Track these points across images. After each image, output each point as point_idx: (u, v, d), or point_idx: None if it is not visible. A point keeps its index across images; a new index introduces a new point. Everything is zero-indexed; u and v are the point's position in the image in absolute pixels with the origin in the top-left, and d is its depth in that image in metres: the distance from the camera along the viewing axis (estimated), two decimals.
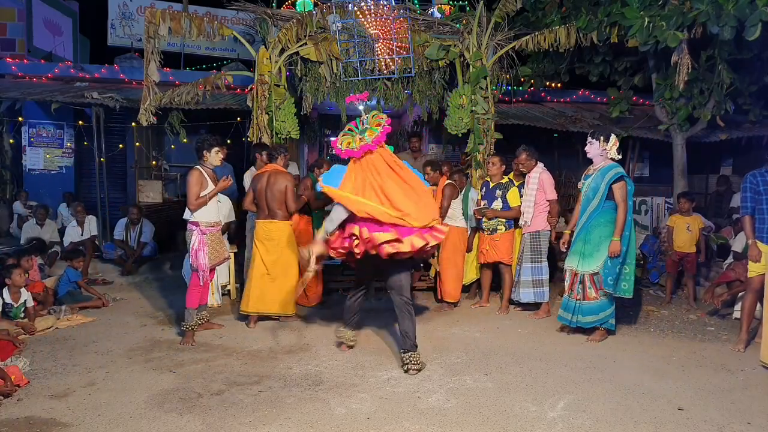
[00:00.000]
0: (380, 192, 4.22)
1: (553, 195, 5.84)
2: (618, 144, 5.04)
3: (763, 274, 4.83)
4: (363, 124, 4.49)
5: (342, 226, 4.32)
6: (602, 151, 5.01)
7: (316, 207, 6.14)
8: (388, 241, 4.12)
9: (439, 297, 6.30)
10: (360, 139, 4.38)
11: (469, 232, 6.39)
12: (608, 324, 5.08)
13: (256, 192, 5.40)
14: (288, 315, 5.53)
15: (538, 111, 9.82)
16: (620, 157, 5.08)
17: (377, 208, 4.16)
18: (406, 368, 4.25)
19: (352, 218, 4.24)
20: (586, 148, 5.11)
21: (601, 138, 4.99)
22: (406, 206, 4.18)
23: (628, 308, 6.17)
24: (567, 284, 5.18)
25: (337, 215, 4.27)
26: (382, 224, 4.16)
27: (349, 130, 4.50)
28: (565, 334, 5.24)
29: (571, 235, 5.23)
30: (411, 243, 4.16)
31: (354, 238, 4.23)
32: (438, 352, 4.73)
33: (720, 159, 10.23)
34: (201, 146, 5.04)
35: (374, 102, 7.61)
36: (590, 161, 5.14)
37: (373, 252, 4.20)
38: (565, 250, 5.29)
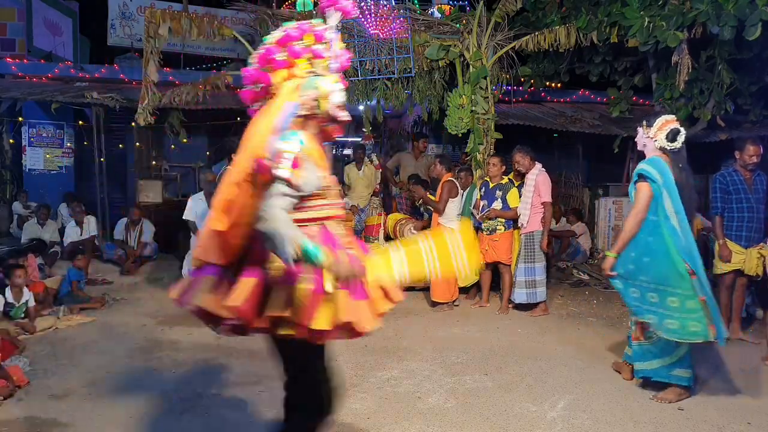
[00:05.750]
0: None
1: (547, 197, 5.82)
2: (668, 127, 3.78)
3: (735, 270, 4.87)
4: None
5: None
6: (647, 140, 3.89)
7: None
8: None
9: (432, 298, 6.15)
10: None
11: None
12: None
13: None
14: None
15: (538, 111, 9.82)
16: (675, 145, 3.77)
17: None
18: None
19: None
20: (636, 139, 4.08)
21: (644, 123, 3.91)
22: None
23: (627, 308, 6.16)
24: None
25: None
26: None
27: None
28: (567, 335, 5.22)
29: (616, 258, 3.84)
30: None
31: None
32: (438, 352, 4.73)
33: (720, 159, 10.22)
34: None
35: (374, 102, 7.61)
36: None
37: None
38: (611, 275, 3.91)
